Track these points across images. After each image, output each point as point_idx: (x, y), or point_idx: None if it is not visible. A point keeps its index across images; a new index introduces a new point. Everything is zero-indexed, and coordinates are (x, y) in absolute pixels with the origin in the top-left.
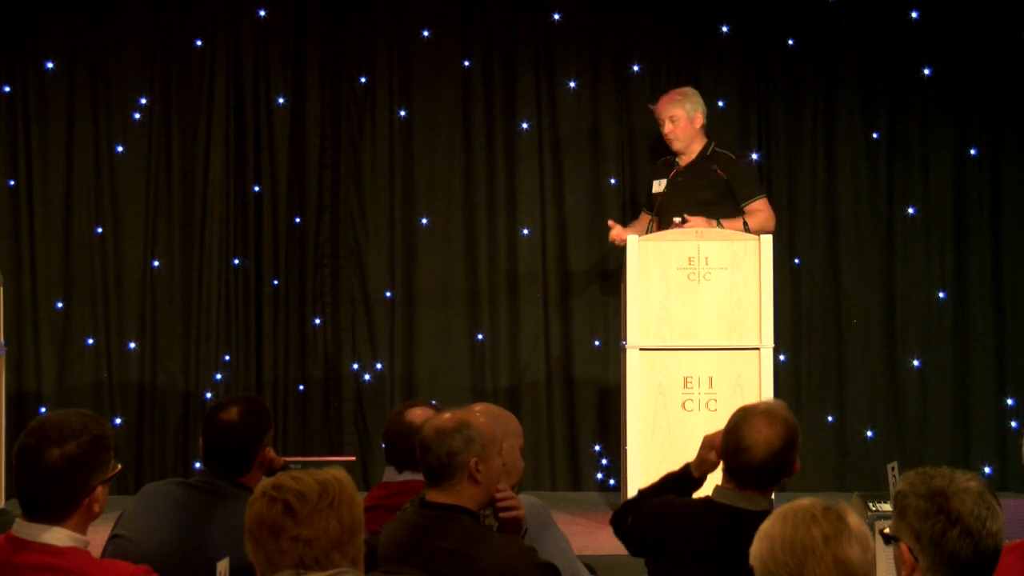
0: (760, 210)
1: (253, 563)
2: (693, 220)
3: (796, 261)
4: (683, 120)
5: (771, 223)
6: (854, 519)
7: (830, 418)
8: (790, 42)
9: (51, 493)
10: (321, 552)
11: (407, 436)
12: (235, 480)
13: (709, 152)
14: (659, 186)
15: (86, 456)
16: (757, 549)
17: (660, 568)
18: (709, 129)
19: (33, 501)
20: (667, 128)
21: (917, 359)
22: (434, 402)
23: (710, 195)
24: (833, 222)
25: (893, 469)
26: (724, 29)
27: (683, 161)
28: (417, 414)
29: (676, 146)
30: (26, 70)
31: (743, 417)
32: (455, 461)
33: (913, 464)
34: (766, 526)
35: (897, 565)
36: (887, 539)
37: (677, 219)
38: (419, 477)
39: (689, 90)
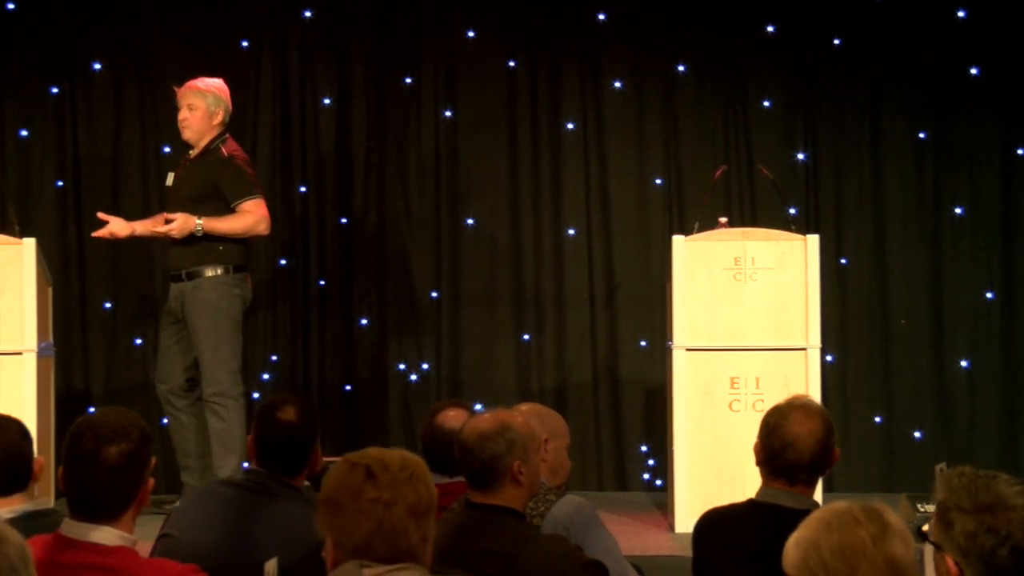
0: (250, 211)
1: (325, 534)
2: (176, 217)
3: (843, 261)
4: (200, 111)
5: (261, 226)
6: (893, 517)
7: (878, 419)
8: (836, 42)
9: (110, 492)
10: (398, 519)
11: (445, 443)
12: (284, 480)
13: (212, 148)
14: (170, 179)
15: (140, 451)
16: (798, 557)
17: (707, 573)
18: (753, 129)
19: (89, 502)
20: (182, 115)
21: (965, 359)
22: (479, 405)
23: (200, 192)
24: (880, 222)
25: (942, 470)
26: (770, 29)
27: (192, 154)
28: (451, 416)
29: (186, 135)
30: (74, 71)
31: (781, 415)
32: (498, 465)
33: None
34: (805, 534)
35: (939, 574)
36: (923, 536)
37: (169, 216)
38: (462, 479)
39: (219, 84)
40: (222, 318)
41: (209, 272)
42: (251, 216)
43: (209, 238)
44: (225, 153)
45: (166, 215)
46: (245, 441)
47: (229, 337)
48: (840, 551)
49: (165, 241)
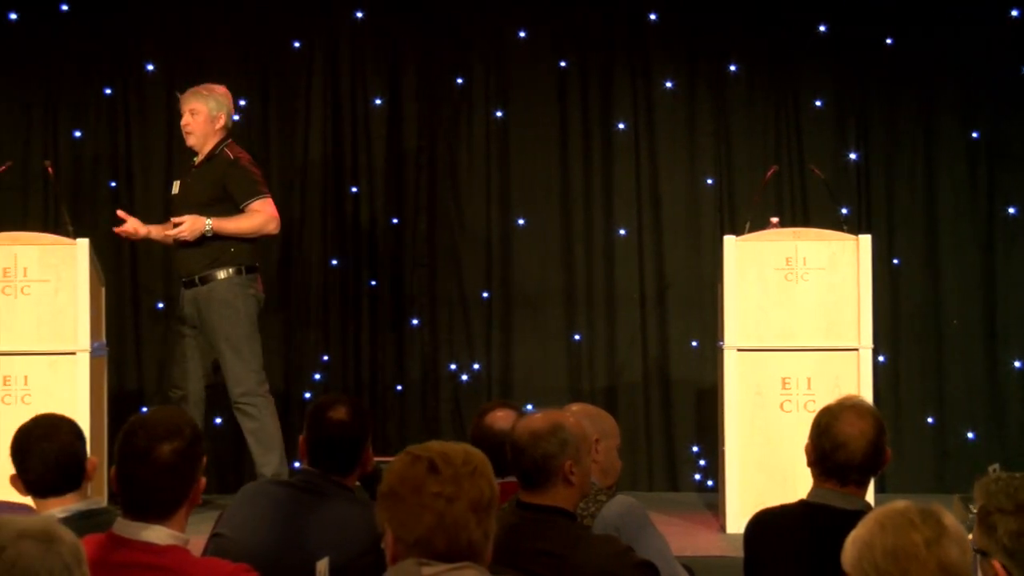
0: (258, 211)
1: (385, 527)
2: (184, 219)
3: (895, 261)
4: (203, 116)
5: (271, 226)
6: (950, 520)
7: (930, 419)
8: (888, 42)
9: (164, 490)
10: (460, 514)
11: (495, 444)
12: (335, 479)
13: (217, 152)
14: (176, 188)
15: (192, 448)
16: (853, 556)
17: (759, 573)
18: (805, 129)
19: (142, 500)
20: (184, 120)
21: (1018, 360)
22: (530, 406)
23: (209, 196)
24: (932, 222)
25: (995, 470)
26: (821, 29)
27: (197, 160)
28: (499, 417)
29: (189, 141)
30: (126, 72)
31: (832, 415)
32: (550, 465)
33: (1015, 467)
34: (861, 533)
35: None
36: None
37: (176, 219)
38: (512, 479)
39: (220, 89)
40: (240, 319)
41: (222, 274)
42: (260, 215)
43: (220, 240)
44: (231, 155)
45: (173, 220)
46: (281, 436)
47: (249, 337)
48: (892, 553)
49: (173, 246)
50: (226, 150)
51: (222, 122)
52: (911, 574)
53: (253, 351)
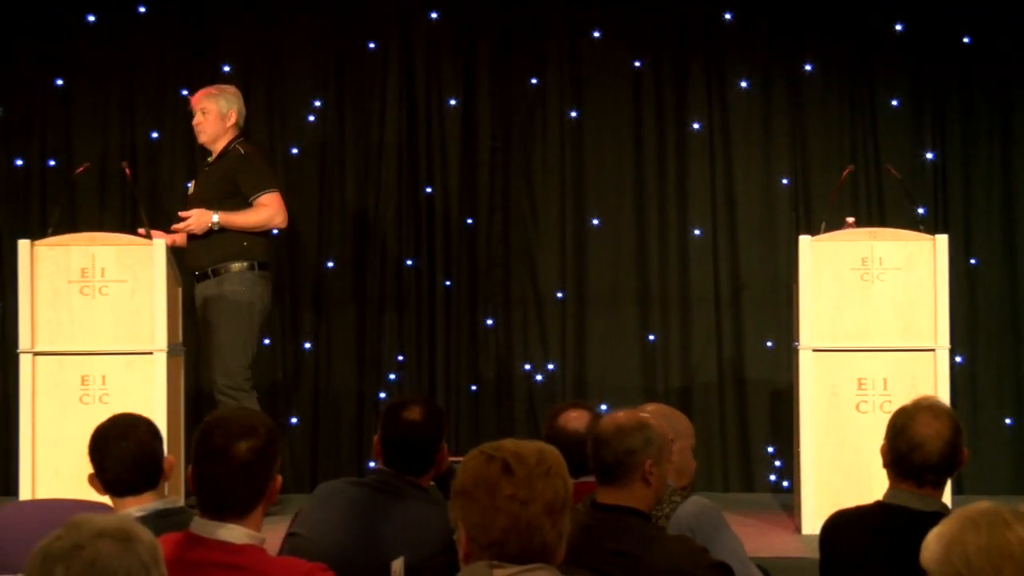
0: (266, 205)
1: (459, 525)
2: (192, 213)
3: (972, 261)
4: (213, 114)
5: (278, 219)
6: None
7: (1008, 420)
8: (966, 40)
9: (242, 488)
10: (535, 516)
11: (568, 444)
12: (409, 479)
13: (229, 149)
14: (192, 186)
15: (269, 446)
16: (939, 553)
17: (835, 575)
18: (881, 128)
19: (219, 499)
20: (196, 119)
21: None
22: (604, 406)
23: (221, 191)
24: (1010, 221)
25: None
26: (898, 28)
27: (211, 160)
28: (573, 417)
29: (201, 139)
30: (203, 73)
31: (908, 416)
32: (632, 460)
33: None
34: (949, 530)
35: None
36: None
37: (182, 214)
38: (586, 479)
39: (230, 88)
40: (243, 312)
41: (235, 267)
42: (268, 209)
43: (232, 234)
44: (242, 151)
45: (181, 214)
46: None
47: (249, 333)
48: (987, 551)
49: (186, 244)
50: (237, 147)
51: (233, 120)
52: (1004, 573)
53: (248, 348)
